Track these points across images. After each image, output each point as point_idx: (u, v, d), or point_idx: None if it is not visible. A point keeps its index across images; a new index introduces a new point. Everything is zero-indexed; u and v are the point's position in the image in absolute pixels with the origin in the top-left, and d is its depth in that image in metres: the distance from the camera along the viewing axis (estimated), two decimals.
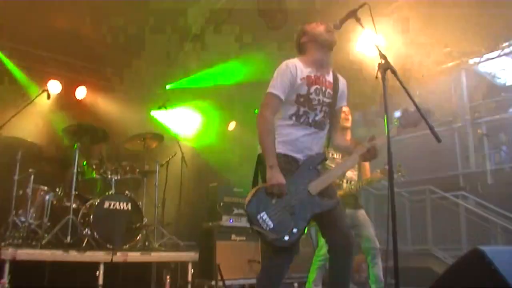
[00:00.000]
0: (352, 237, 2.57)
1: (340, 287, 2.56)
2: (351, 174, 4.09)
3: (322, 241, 3.83)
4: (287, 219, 2.41)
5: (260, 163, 2.58)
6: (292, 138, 2.59)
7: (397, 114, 2.85)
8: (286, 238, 2.39)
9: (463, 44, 6.02)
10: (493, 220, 6.69)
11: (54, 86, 6.08)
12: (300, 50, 2.78)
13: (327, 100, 2.66)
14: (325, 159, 2.68)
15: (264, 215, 2.41)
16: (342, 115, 3.71)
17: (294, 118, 2.60)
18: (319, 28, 2.69)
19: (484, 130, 8.09)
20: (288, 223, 2.41)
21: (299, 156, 2.59)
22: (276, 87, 2.57)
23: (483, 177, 8.05)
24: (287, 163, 2.54)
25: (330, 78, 2.72)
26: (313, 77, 2.63)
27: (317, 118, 2.63)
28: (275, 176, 2.42)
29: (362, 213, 4.07)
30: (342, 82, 2.79)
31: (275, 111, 2.59)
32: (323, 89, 2.65)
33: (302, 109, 2.60)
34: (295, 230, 2.40)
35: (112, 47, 6.15)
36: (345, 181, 4.06)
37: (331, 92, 2.68)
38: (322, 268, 4.03)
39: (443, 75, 8.35)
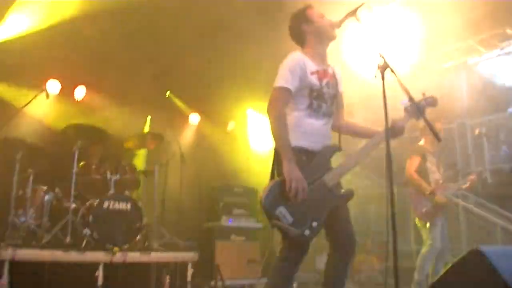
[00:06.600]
0: (355, 238, 2.56)
1: (337, 286, 2.55)
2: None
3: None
4: (305, 213, 2.35)
5: (277, 157, 2.52)
6: (312, 128, 2.58)
7: (404, 102, 2.81)
8: (307, 232, 2.33)
9: (463, 43, 6.01)
10: (493, 220, 6.67)
11: (53, 86, 6.07)
12: (298, 38, 2.76)
13: (333, 92, 2.70)
14: (340, 150, 2.66)
15: (282, 209, 2.32)
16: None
17: (309, 110, 2.60)
18: (324, 22, 2.69)
19: (483, 130, 8.06)
20: (307, 217, 2.35)
21: (317, 146, 2.58)
22: (287, 81, 2.53)
23: (483, 177, 8.04)
24: (305, 156, 2.51)
25: (330, 69, 2.75)
26: (322, 72, 2.64)
27: (328, 109, 2.67)
28: (294, 171, 2.35)
29: None
30: (337, 68, 2.83)
31: (286, 104, 2.56)
32: (330, 82, 2.68)
33: (315, 102, 2.60)
34: (314, 224, 2.35)
35: (113, 46, 6.14)
36: None
37: (334, 84, 2.72)
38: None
39: (443, 75, 8.35)
